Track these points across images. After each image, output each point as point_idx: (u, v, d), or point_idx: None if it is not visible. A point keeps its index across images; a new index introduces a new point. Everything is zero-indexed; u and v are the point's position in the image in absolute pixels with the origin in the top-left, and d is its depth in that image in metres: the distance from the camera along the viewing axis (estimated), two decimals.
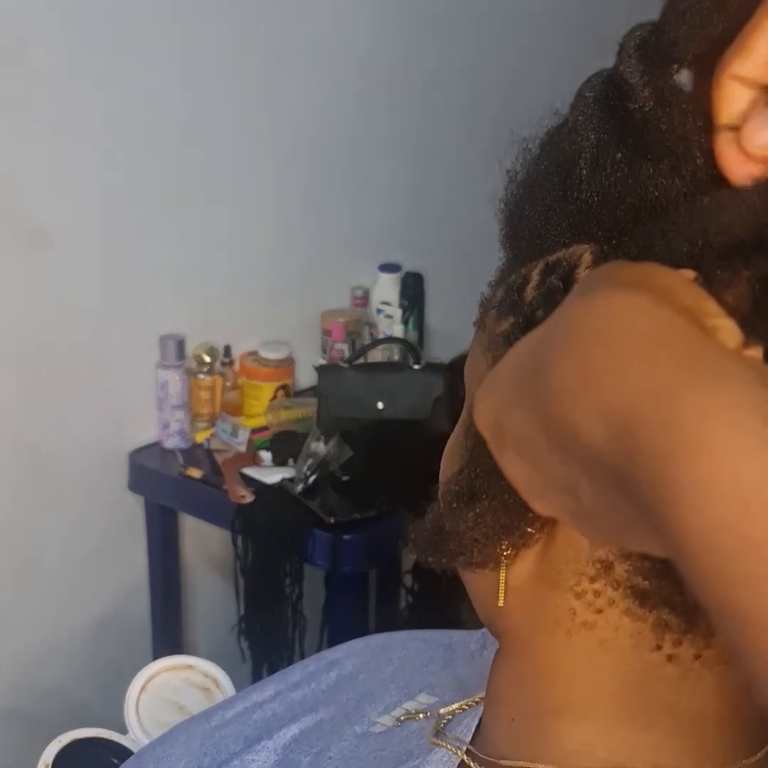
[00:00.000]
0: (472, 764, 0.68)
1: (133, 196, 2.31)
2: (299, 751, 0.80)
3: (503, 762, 0.64)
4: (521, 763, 0.63)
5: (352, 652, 0.92)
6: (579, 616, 0.60)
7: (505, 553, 0.61)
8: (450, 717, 0.75)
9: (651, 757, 0.60)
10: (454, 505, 0.62)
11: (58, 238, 2.22)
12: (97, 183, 2.24)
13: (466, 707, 0.76)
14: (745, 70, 0.54)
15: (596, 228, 0.58)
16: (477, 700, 0.74)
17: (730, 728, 0.61)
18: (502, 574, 0.63)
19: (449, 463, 0.66)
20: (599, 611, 0.59)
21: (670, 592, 0.58)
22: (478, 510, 0.60)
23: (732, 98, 0.55)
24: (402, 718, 0.79)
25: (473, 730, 0.71)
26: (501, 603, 0.63)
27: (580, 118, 0.60)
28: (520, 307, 0.60)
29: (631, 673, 0.60)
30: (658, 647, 0.59)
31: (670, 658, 0.59)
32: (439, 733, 0.73)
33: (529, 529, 0.60)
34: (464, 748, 0.69)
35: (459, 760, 0.69)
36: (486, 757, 0.67)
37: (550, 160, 0.61)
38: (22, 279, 2.18)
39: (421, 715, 0.78)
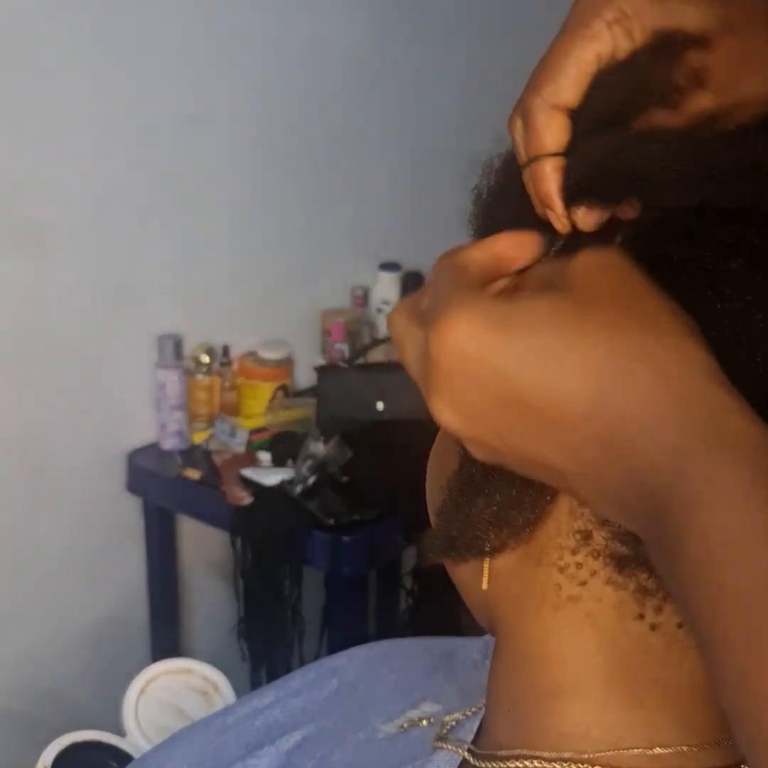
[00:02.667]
0: (471, 760, 0.68)
1: (131, 195, 2.31)
2: (302, 756, 0.80)
3: (501, 753, 0.64)
4: (517, 751, 0.63)
5: (353, 660, 0.91)
6: (564, 590, 0.61)
7: (509, 541, 0.61)
8: (453, 723, 0.75)
9: (645, 734, 0.60)
10: (461, 499, 0.62)
11: (55, 238, 2.21)
12: (95, 182, 2.24)
13: (470, 713, 0.75)
14: (561, 97, 0.57)
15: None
16: (480, 706, 0.74)
17: (717, 699, 0.61)
18: (486, 559, 0.63)
19: (439, 462, 0.67)
20: (583, 583, 0.60)
21: (647, 554, 0.57)
22: (481, 504, 0.61)
23: (557, 126, 0.57)
24: (405, 725, 0.79)
25: (475, 731, 0.71)
26: (485, 586, 0.64)
27: None
28: None
29: (617, 646, 0.60)
30: (641, 616, 0.59)
31: (653, 627, 0.60)
32: (441, 737, 0.73)
33: (530, 515, 0.60)
34: (466, 747, 0.69)
35: (460, 759, 0.69)
36: (485, 752, 0.67)
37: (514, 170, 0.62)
38: (19, 278, 2.18)
39: (424, 722, 0.78)
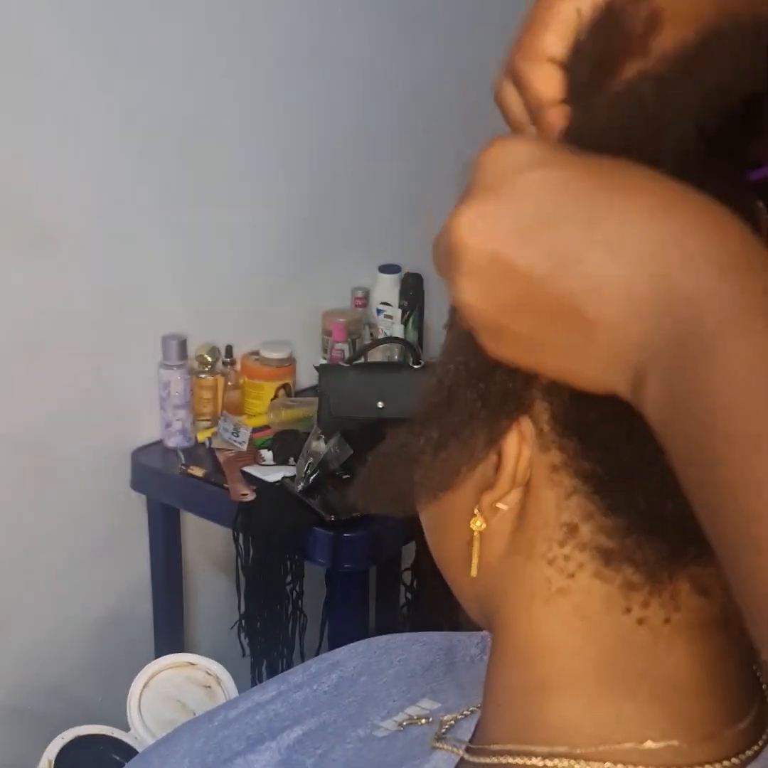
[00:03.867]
0: (465, 756, 0.69)
1: (135, 196, 2.31)
2: (303, 753, 0.81)
3: (493, 747, 0.66)
4: (510, 747, 0.64)
5: (353, 654, 0.92)
6: (554, 583, 0.62)
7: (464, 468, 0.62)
8: (452, 723, 0.77)
9: (636, 728, 0.61)
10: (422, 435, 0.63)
11: (60, 238, 2.22)
12: (100, 183, 2.24)
13: (468, 712, 0.77)
14: (548, 50, 0.58)
15: None
16: (477, 706, 0.75)
17: (709, 695, 0.62)
18: (475, 546, 0.64)
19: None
20: (571, 576, 0.61)
21: (632, 549, 0.60)
22: (438, 434, 0.62)
23: (552, 77, 0.59)
24: (404, 723, 0.80)
25: (473, 730, 0.73)
26: (474, 573, 0.65)
27: None
28: None
29: (606, 640, 0.61)
30: (628, 610, 0.61)
31: (640, 621, 0.61)
32: (440, 737, 0.74)
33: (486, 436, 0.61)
34: (463, 747, 0.71)
35: (458, 758, 0.70)
36: (479, 747, 0.68)
37: None
38: (24, 278, 2.18)
39: (423, 720, 0.79)
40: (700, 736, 0.61)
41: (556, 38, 0.59)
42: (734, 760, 0.61)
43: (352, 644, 0.94)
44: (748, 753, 0.62)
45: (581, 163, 0.53)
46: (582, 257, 0.50)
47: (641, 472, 0.58)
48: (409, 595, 2.52)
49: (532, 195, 0.52)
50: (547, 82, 0.59)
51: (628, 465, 0.59)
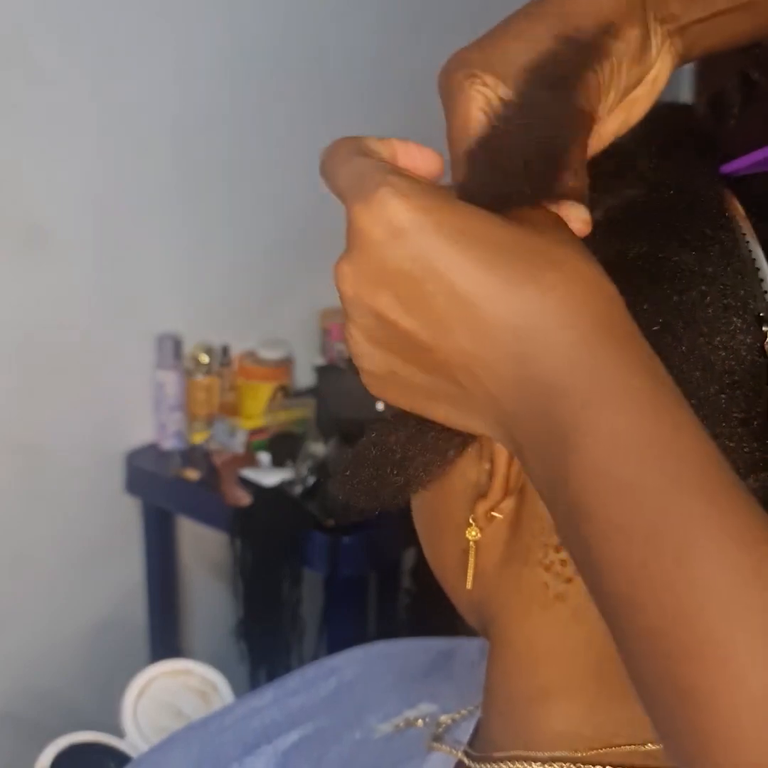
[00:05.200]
0: (466, 761, 0.69)
1: (129, 195, 2.31)
2: (299, 757, 0.81)
3: (496, 754, 0.66)
4: (512, 753, 0.64)
5: (351, 660, 0.92)
6: (551, 588, 0.62)
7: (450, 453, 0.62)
8: (449, 723, 0.76)
9: (636, 731, 0.61)
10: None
11: (54, 237, 2.21)
12: (94, 181, 2.24)
13: (466, 713, 0.76)
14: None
15: None
16: (476, 706, 0.75)
17: None
18: (471, 556, 0.64)
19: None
20: (569, 580, 0.61)
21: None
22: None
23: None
24: (401, 724, 0.80)
25: (471, 732, 0.72)
26: (469, 586, 0.65)
27: None
28: None
29: (606, 644, 0.59)
30: None
31: None
32: (437, 737, 0.74)
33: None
34: (461, 749, 0.70)
35: (456, 760, 0.70)
36: (481, 754, 0.68)
37: None
38: (16, 277, 2.17)
39: (420, 721, 0.79)
40: None
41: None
42: None
43: (350, 650, 0.94)
44: None
45: (445, 225, 0.51)
46: (452, 329, 0.50)
47: None
48: (409, 601, 2.52)
49: (406, 267, 0.51)
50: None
51: None
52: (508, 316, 0.48)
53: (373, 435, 0.62)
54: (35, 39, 2.09)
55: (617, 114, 0.60)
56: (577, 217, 0.55)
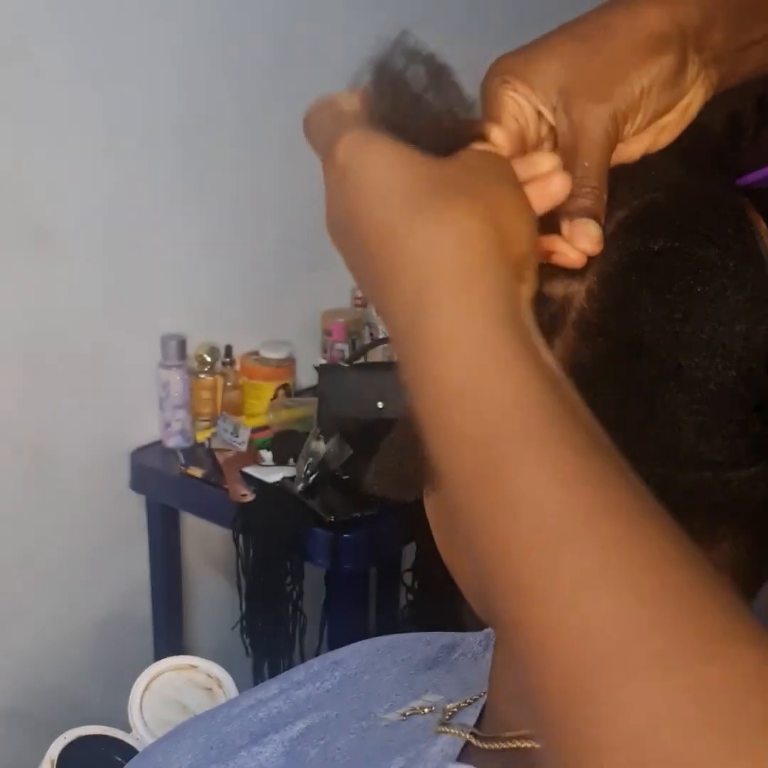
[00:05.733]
0: (474, 741, 0.69)
1: (134, 195, 2.30)
2: (306, 744, 0.81)
3: (507, 733, 0.66)
4: (524, 732, 0.65)
5: (356, 653, 0.92)
6: None
7: None
8: (455, 709, 0.77)
9: None
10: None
11: (59, 237, 2.21)
12: (99, 181, 2.24)
13: (470, 701, 0.77)
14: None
15: None
16: (482, 693, 0.76)
17: None
18: None
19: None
20: None
21: None
22: None
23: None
24: (408, 713, 0.80)
25: (477, 716, 0.73)
26: None
27: None
28: None
29: None
30: None
31: None
32: (444, 723, 0.75)
33: None
34: (468, 730, 0.71)
35: (463, 742, 0.71)
36: (492, 736, 0.68)
37: None
38: (23, 278, 2.17)
39: (426, 710, 0.79)
40: None
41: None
42: None
43: (354, 644, 0.94)
44: None
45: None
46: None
47: (648, 449, 0.60)
48: (410, 596, 2.52)
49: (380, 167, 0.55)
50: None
51: (636, 444, 0.58)
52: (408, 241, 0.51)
53: (399, 429, 0.66)
54: (37, 37, 2.08)
55: (643, 137, 0.62)
56: (586, 234, 0.58)
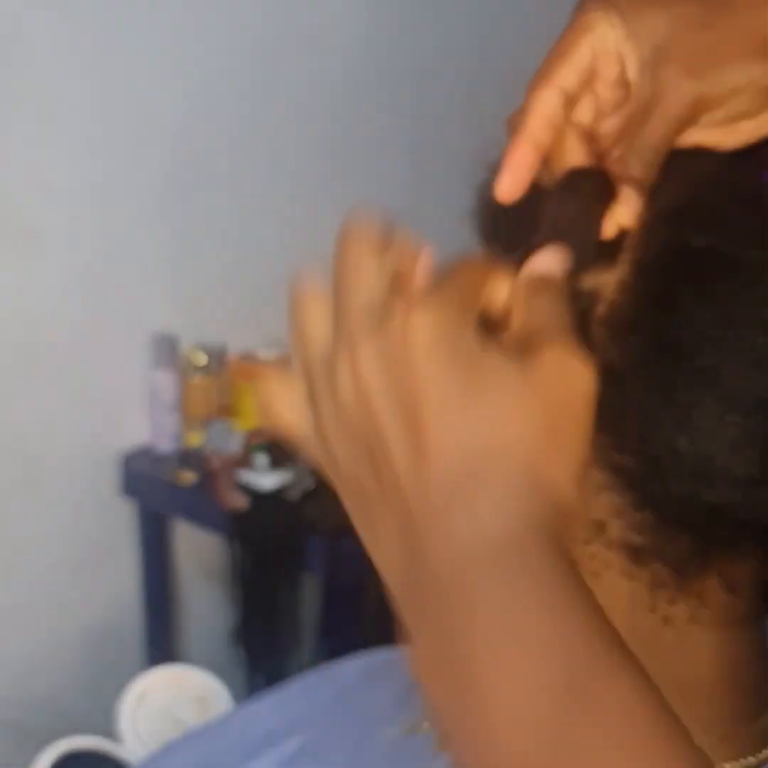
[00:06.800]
0: None
1: (125, 192, 2.30)
2: (301, 764, 0.81)
3: None
4: None
5: (353, 668, 0.91)
6: None
7: None
8: None
9: None
10: None
11: (47, 235, 2.20)
12: (87, 178, 2.24)
13: None
14: (566, 82, 0.59)
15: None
16: None
17: (728, 695, 0.63)
18: None
19: None
20: (596, 575, 0.61)
21: (663, 544, 0.59)
22: None
23: (553, 98, 0.59)
24: (405, 730, 0.79)
25: None
26: None
27: None
28: None
29: (630, 640, 0.58)
30: (654, 608, 0.60)
31: (666, 620, 0.61)
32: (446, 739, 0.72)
33: None
34: None
35: None
36: None
37: None
38: (8, 278, 2.17)
39: (426, 725, 0.77)
40: (719, 734, 0.62)
41: (569, 71, 0.59)
42: (751, 758, 0.62)
43: (350, 658, 0.94)
44: (766, 751, 0.63)
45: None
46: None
47: (678, 462, 0.58)
48: None
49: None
50: (545, 101, 0.59)
51: (665, 456, 0.58)
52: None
53: None
54: (26, 32, 2.08)
55: (712, 132, 0.60)
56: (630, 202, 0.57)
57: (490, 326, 0.54)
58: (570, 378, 0.51)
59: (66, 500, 2.35)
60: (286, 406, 0.57)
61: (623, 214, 0.58)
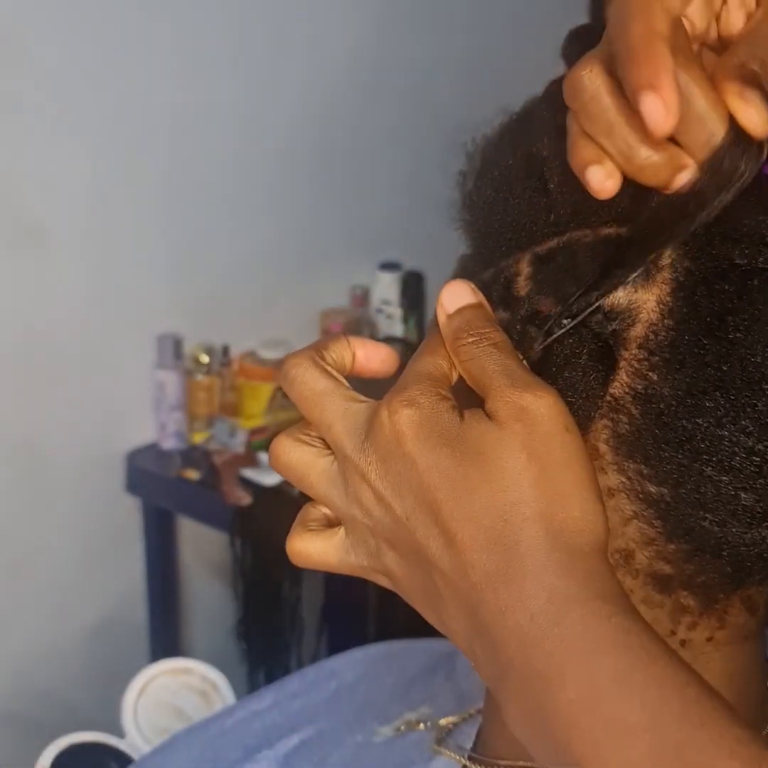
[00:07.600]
0: (470, 765, 0.68)
1: (129, 193, 2.29)
2: (301, 759, 0.80)
3: (502, 763, 0.65)
4: (520, 763, 0.63)
5: (352, 662, 0.91)
6: None
7: None
8: (450, 727, 0.75)
9: None
10: None
11: (52, 236, 2.20)
12: (93, 179, 2.23)
13: (467, 717, 0.76)
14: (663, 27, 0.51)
15: (594, 215, 0.57)
16: (475, 710, 0.75)
17: (736, 707, 0.60)
18: None
19: None
20: None
21: (692, 574, 0.58)
22: None
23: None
24: (402, 727, 0.79)
25: (474, 738, 0.72)
26: None
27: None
28: (513, 300, 0.59)
29: None
30: (673, 633, 0.59)
31: (683, 643, 0.59)
32: (440, 741, 0.73)
33: None
34: (466, 754, 0.70)
35: (461, 765, 0.69)
36: (486, 759, 0.67)
37: (518, 154, 0.62)
38: (15, 277, 2.16)
39: (421, 725, 0.78)
40: None
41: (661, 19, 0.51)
42: None
43: (349, 651, 0.93)
44: None
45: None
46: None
47: (711, 492, 0.56)
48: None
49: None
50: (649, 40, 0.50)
51: (699, 486, 0.56)
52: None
53: None
54: (31, 31, 2.08)
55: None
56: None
57: (463, 390, 0.54)
58: (529, 416, 0.51)
59: (72, 497, 2.35)
60: (333, 559, 0.60)
61: (748, 116, 0.51)
